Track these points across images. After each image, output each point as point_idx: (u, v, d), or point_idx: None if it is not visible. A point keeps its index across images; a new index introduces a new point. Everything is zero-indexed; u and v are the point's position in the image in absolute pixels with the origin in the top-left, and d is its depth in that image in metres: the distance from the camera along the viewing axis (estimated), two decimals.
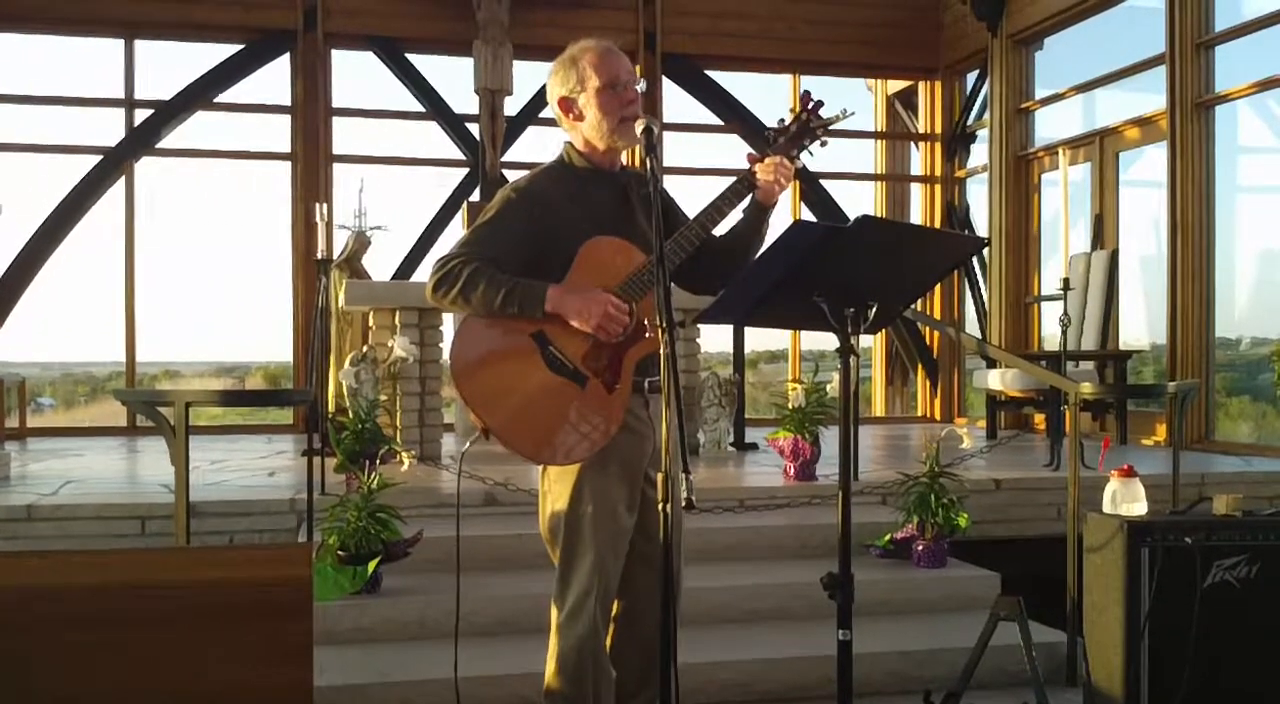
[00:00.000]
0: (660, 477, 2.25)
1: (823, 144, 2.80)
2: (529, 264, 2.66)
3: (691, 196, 2.92)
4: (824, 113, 2.78)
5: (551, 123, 10.18)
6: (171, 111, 8.77)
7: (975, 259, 9.32)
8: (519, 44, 8.63)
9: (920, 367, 10.03)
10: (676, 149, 9.65)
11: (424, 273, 8.94)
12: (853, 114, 2.78)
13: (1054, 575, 3.94)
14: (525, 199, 2.73)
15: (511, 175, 8.36)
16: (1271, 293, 7.43)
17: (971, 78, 9.70)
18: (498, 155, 8.73)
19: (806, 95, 2.79)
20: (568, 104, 2.77)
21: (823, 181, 9.63)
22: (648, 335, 2.64)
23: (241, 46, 8.80)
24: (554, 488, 2.74)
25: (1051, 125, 8.97)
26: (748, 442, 6.86)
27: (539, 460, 2.70)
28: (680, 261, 2.69)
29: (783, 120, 2.79)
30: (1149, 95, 7.70)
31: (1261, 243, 7.47)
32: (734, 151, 10.01)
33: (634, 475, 2.74)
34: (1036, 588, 3.88)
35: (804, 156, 2.82)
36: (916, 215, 10.35)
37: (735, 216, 2.80)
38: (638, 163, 2.81)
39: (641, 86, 2.74)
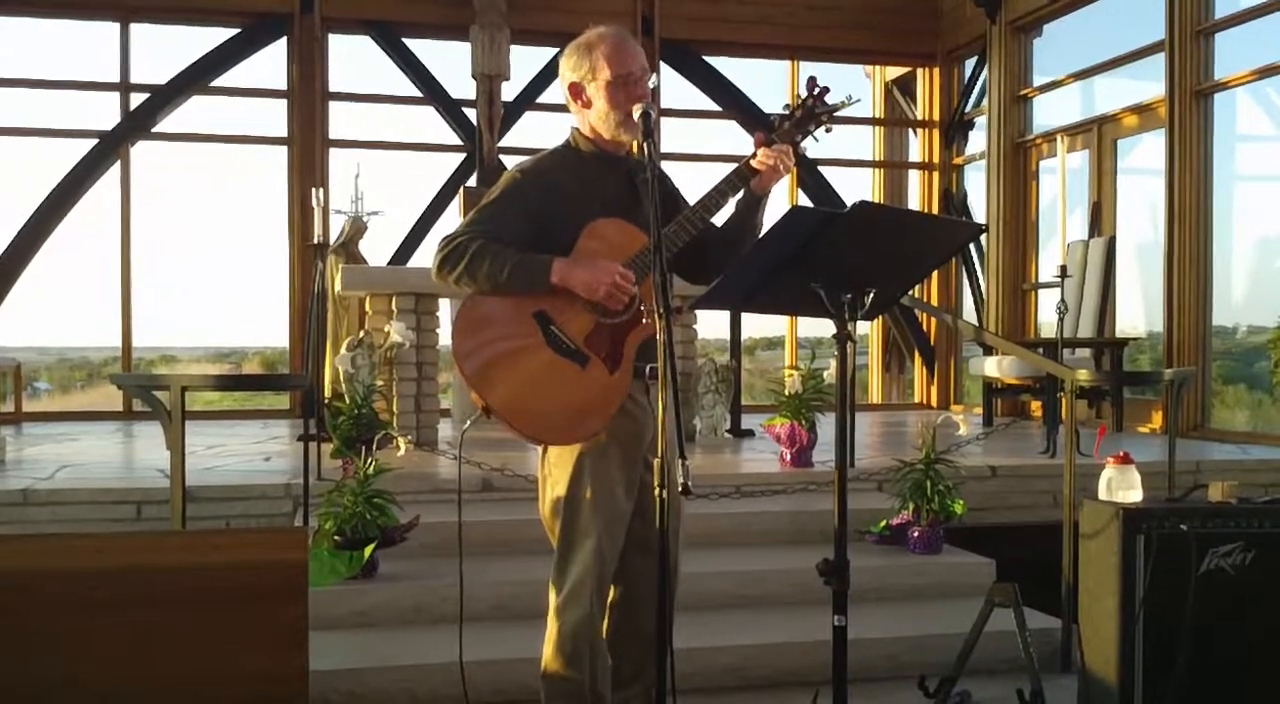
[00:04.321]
0: (657, 463, 2.25)
1: (828, 130, 2.78)
2: (533, 245, 2.66)
3: (688, 182, 2.92)
4: (829, 99, 2.75)
5: (548, 108, 10.10)
6: (167, 95, 8.74)
7: (973, 246, 9.31)
8: (516, 29, 8.61)
9: (917, 353, 10.04)
10: (674, 135, 9.63)
11: (421, 258, 8.95)
12: (858, 101, 2.77)
13: (1049, 562, 3.94)
14: (530, 180, 2.73)
15: (508, 160, 8.35)
16: (1269, 281, 7.43)
17: (970, 64, 9.67)
18: (495, 140, 8.71)
19: (812, 81, 2.76)
20: (577, 90, 2.76)
21: (820, 168, 9.61)
22: (645, 321, 2.64)
23: (238, 30, 8.77)
24: (554, 472, 2.74)
25: (1050, 112, 8.96)
26: (744, 428, 6.86)
27: (539, 440, 2.71)
28: (681, 247, 2.68)
29: (788, 106, 2.78)
30: (1148, 82, 7.69)
31: (1259, 231, 7.47)
32: (732, 137, 9.99)
33: (633, 459, 2.74)
34: (1032, 574, 3.89)
35: (805, 142, 2.79)
36: (914, 202, 10.33)
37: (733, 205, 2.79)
38: (635, 148, 2.80)
39: (654, 82, 2.72)
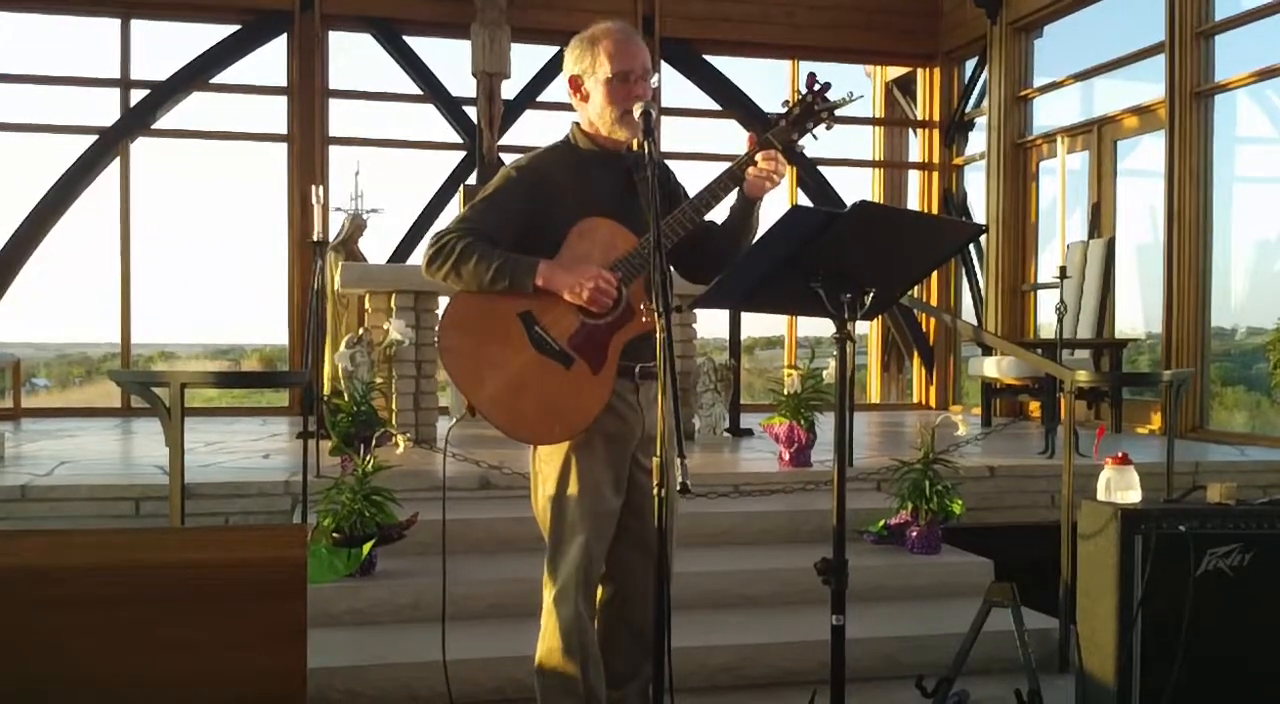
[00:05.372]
0: (655, 462, 2.25)
1: (828, 127, 2.75)
2: (524, 242, 2.66)
3: (687, 181, 2.91)
4: (829, 96, 2.72)
5: (549, 106, 10.05)
6: (167, 92, 8.73)
7: (972, 246, 9.31)
8: (517, 26, 8.61)
9: (916, 353, 10.04)
10: (674, 134, 9.64)
11: (420, 256, 8.93)
12: (859, 98, 2.74)
13: (1048, 562, 3.95)
14: (526, 177, 2.73)
15: (508, 158, 8.35)
16: (1268, 283, 7.43)
17: (970, 65, 9.67)
18: (495, 138, 8.71)
19: (812, 77, 2.73)
20: (577, 83, 2.76)
21: (820, 167, 9.61)
22: (645, 319, 2.64)
23: (238, 27, 8.76)
24: (543, 469, 2.76)
25: (1050, 113, 8.96)
26: (743, 427, 6.87)
27: (522, 439, 2.72)
28: (673, 244, 2.67)
29: (787, 102, 2.76)
30: (1148, 84, 7.69)
31: (1258, 233, 7.47)
32: (732, 137, 10.00)
33: (620, 457, 2.75)
34: (1030, 574, 3.89)
35: (804, 140, 2.76)
36: (914, 202, 10.33)
37: (729, 204, 2.78)
38: (636, 146, 2.79)
39: (655, 81, 2.71)
